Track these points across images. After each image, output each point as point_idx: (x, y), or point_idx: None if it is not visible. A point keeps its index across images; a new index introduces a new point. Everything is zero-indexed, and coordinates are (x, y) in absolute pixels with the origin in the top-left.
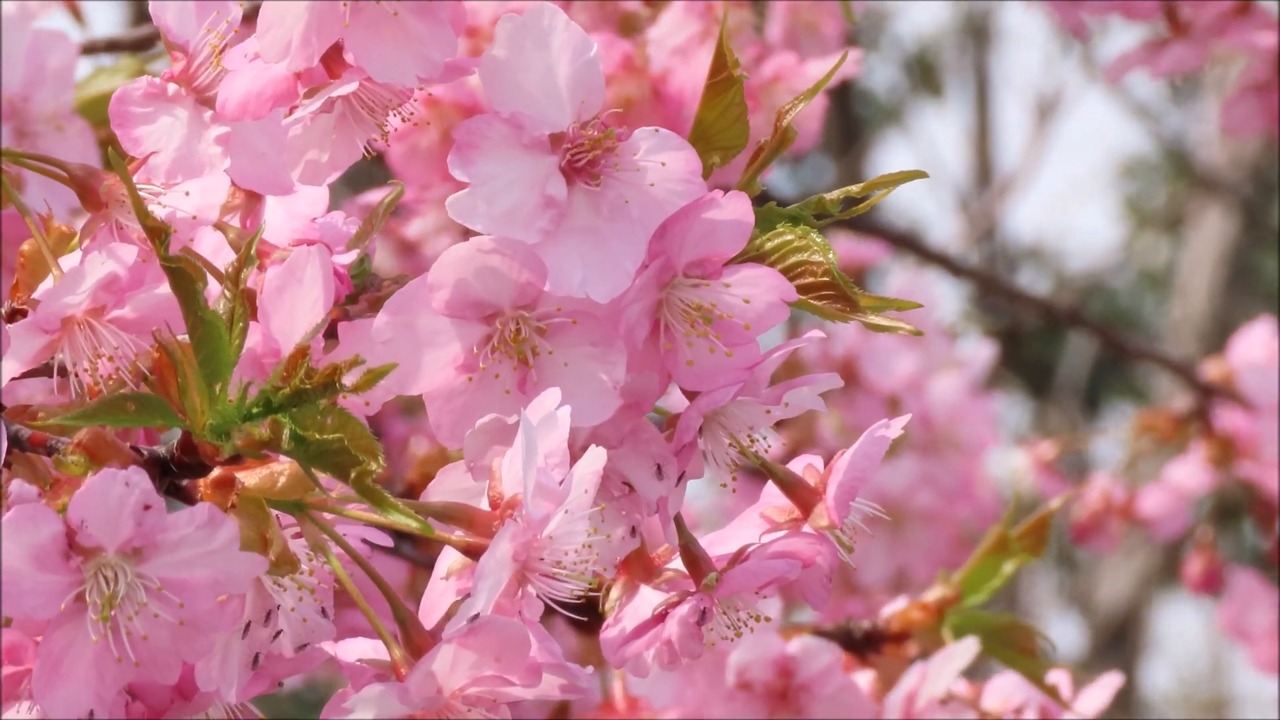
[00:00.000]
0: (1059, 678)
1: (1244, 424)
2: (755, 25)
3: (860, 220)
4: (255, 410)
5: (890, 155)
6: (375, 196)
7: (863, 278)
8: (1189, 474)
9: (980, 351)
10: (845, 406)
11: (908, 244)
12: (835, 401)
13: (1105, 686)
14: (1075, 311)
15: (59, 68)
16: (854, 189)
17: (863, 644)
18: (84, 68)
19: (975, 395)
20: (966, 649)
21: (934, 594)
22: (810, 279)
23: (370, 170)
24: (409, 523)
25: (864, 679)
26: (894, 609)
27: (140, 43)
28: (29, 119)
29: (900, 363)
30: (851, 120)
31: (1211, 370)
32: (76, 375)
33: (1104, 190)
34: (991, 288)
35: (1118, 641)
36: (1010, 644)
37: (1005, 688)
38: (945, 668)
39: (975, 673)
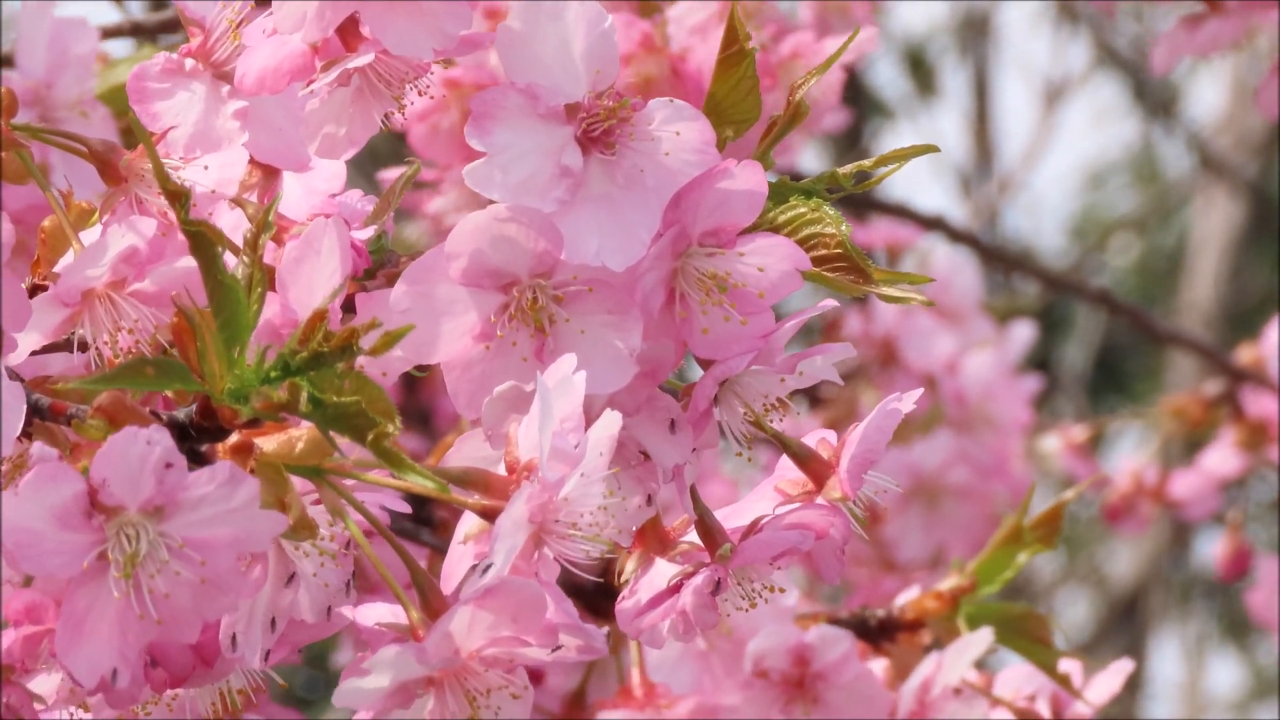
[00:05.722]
0: (1071, 667)
1: (1275, 409)
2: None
3: (890, 203)
4: (273, 374)
5: (895, 146)
6: (393, 174)
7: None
8: (1220, 458)
9: (1019, 332)
10: (884, 386)
11: (937, 226)
12: (874, 381)
13: (1116, 673)
14: (1105, 293)
15: (81, 54)
16: (866, 163)
17: (877, 632)
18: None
19: (1012, 374)
20: (982, 639)
21: (948, 583)
22: (824, 251)
23: (391, 149)
24: (426, 484)
25: (878, 667)
26: (908, 598)
27: (163, 26)
28: (52, 105)
29: (939, 343)
30: (855, 114)
31: (1243, 355)
32: (97, 348)
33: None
34: (1022, 269)
35: (1127, 618)
36: (1024, 634)
37: (1016, 678)
38: (961, 657)
39: (984, 664)
